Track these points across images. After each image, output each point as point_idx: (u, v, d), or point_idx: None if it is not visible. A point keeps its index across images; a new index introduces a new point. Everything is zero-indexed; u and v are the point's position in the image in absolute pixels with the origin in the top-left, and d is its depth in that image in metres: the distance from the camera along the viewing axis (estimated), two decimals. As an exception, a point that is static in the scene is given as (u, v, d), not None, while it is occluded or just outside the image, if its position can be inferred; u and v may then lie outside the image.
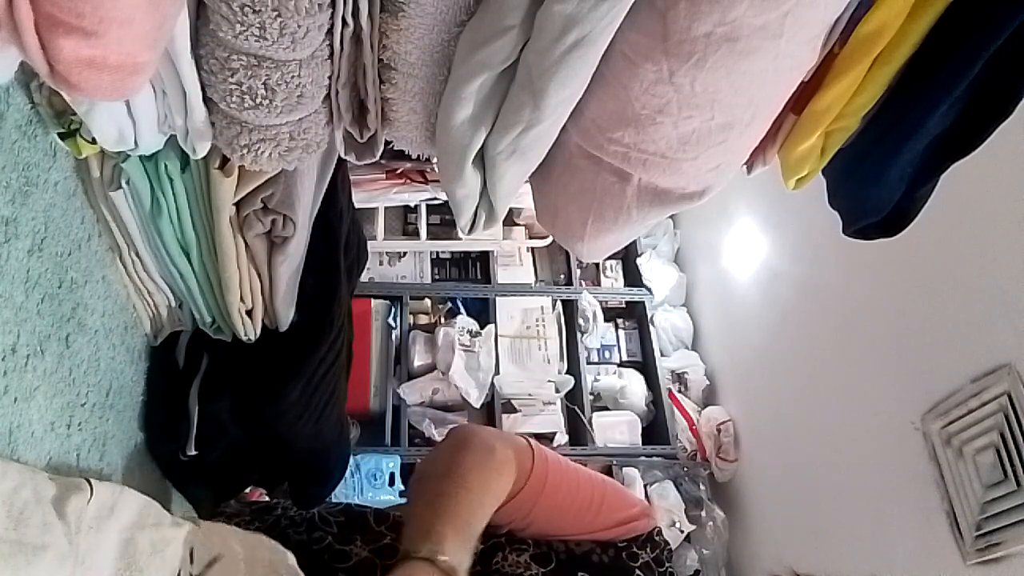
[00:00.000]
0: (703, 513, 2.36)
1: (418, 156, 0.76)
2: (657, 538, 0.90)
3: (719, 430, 2.43)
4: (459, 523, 0.74)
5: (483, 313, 2.61)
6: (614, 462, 2.42)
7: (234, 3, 0.56)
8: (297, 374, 0.98)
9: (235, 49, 0.60)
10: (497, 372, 2.48)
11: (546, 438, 2.43)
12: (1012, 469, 1.42)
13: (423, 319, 2.63)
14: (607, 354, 2.72)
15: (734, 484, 2.44)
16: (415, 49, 0.64)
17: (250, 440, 1.05)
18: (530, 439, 0.88)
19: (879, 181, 0.71)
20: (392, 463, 2.21)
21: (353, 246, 1.11)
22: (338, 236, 1.01)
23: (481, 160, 0.70)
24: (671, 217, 2.92)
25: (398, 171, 2.26)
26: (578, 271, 2.81)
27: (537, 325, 2.64)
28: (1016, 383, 1.41)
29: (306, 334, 1.00)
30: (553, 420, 2.45)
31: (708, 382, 2.62)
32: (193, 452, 0.96)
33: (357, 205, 1.38)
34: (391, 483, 2.16)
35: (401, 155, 0.82)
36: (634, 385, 2.57)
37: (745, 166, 0.76)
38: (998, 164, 1.40)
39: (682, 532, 2.30)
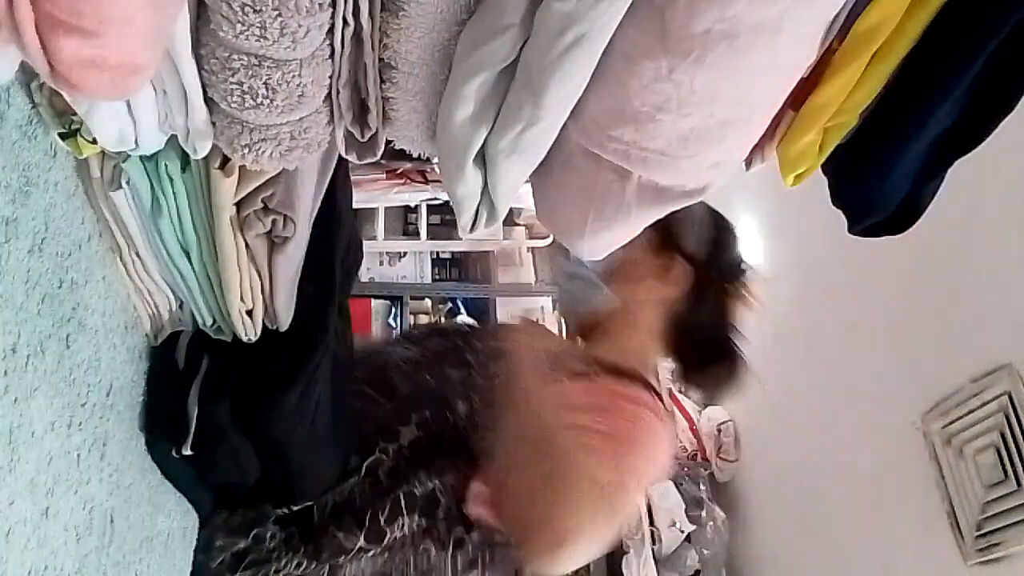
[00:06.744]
0: (703, 513, 2.36)
1: (418, 156, 0.76)
2: None
3: (719, 430, 2.43)
4: None
5: (483, 313, 2.62)
6: (614, 462, 2.42)
7: (235, 3, 0.56)
8: (295, 380, 0.98)
9: (236, 49, 0.61)
10: (497, 372, 2.48)
11: (546, 438, 2.43)
12: (1012, 469, 1.42)
13: (423, 319, 2.63)
14: (607, 354, 2.72)
15: (734, 484, 2.44)
16: (416, 48, 0.64)
17: (249, 442, 1.05)
18: None
19: (885, 178, 0.71)
20: (392, 464, 2.20)
21: (351, 248, 1.11)
22: (335, 239, 1.01)
23: (482, 159, 0.71)
24: (671, 217, 2.92)
25: (398, 171, 2.26)
26: (578, 271, 2.80)
27: (537, 325, 2.63)
28: (1016, 383, 1.41)
29: (302, 338, 1.00)
30: (553, 420, 2.45)
31: (708, 382, 2.62)
32: (188, 452, 0.95)
33: (357, 205, 1.38)
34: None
35: (401, 155, 0.82)
36: (634, 385, 2.56)
37: (743, 162, 0.76)
38: (998, 163, 1.40)
39: (682, 532, 2.30)
